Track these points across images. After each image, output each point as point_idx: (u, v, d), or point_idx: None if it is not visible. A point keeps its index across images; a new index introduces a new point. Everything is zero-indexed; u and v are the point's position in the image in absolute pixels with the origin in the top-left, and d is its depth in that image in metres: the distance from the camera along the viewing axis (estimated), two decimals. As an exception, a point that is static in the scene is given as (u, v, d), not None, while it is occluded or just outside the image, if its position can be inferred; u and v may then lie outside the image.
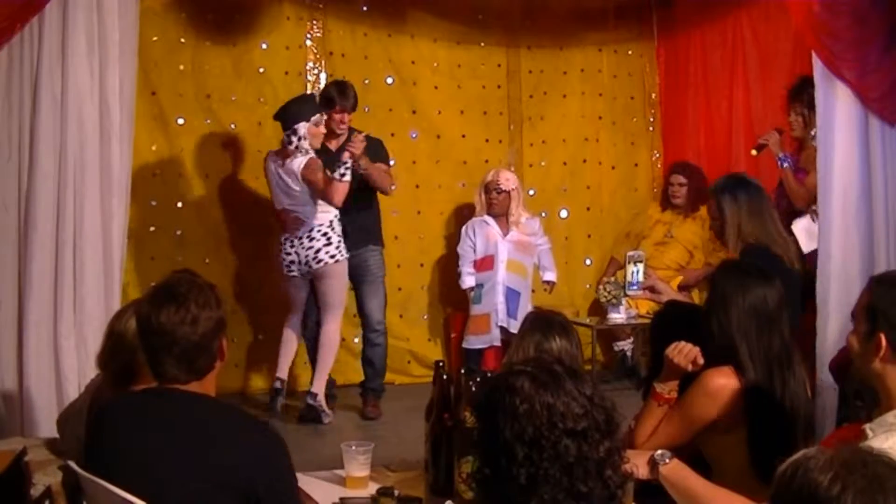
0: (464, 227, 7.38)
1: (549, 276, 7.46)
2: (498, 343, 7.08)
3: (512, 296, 7.15)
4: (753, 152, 6.59)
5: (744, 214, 4.64)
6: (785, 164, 6.28)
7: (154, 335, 2.71)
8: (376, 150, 6.64)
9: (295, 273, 6.44)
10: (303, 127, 6.24)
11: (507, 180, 7.27)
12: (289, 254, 6.42)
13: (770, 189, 6.66)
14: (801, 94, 6.27)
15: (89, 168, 4.96)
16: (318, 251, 6.33)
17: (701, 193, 7.68)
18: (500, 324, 7.11)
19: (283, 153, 6.33)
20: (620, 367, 7.80)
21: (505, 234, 7.24)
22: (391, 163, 6.84)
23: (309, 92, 7.26)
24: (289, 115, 6.30)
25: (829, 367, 4.93)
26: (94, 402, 3.23)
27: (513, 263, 7.20)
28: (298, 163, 6.25)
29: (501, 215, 7.27)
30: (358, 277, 6.74)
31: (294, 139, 6.25)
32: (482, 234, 7.22)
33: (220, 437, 2.68)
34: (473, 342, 7.19)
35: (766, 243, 4.61)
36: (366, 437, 4.13)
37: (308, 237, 6.36)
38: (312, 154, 6.28)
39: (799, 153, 6.48)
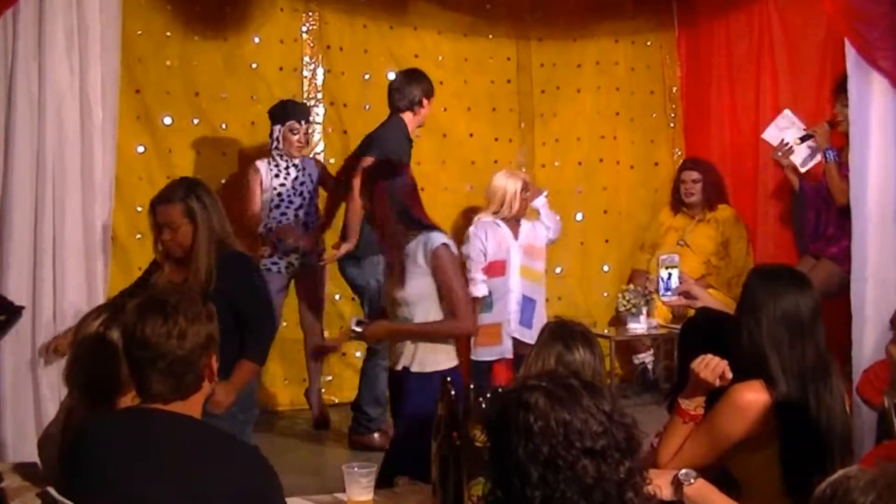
0: (472, 229, 7.08)
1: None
2: (510, 355, 7.01)
3: (527, 304, 7.10)
4: (797, 142, 6.60)
5: (214, 214, 4.62)
6: (830, 158, 6.28)
7: (138, 348, 2.70)
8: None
9: None
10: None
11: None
12: None
13: (814, 182, 6.68)
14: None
15: (69, 171, 4.96)
16: None
17: (717, 190, 7.68)
18: (512, 334, 7.05)
19: None
20: (640, 380, 7.79)
21: (516, 238, 7.19)
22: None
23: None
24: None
25: (858, 390, 4.89)
26: (68, 422, 3.20)
27: (525, 269, 7.15)
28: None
29: (518, 218, 7.21)
30: None
31: None
32: (494, 238, 7.10)
33: (208, 461, 2.67)
34: (483, 354, 7.08)
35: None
36: (369, 458, 4.11)
37: None
38: None
39: (845, 147, 6.48)
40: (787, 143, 6.81)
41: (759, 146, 7.67)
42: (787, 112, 7.06)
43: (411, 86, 6.59)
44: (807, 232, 6.83)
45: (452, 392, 3.42)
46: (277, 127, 6.75)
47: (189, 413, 2.75)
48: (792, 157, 6.82)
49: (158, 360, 2.68)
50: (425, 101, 6.60)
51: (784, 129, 6.93)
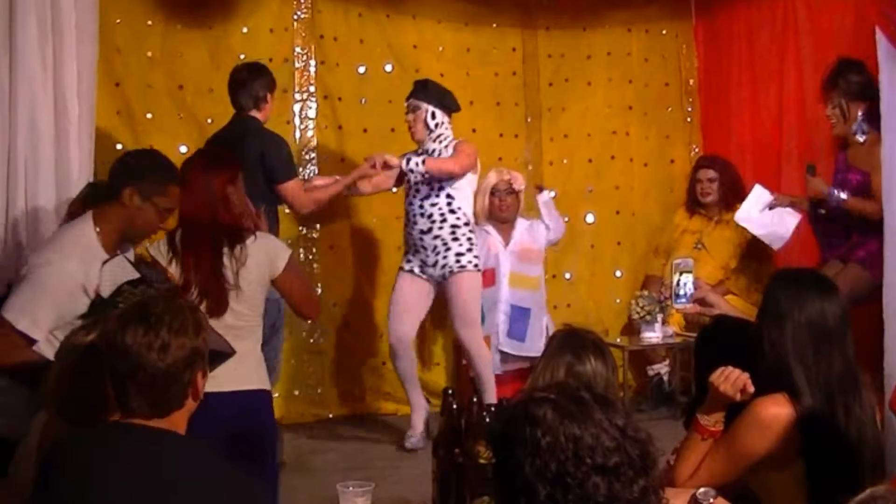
0: None
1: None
2: (499, 371, 7.00)
3: (518, 315, 7.11)
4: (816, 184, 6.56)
5: None
6: (842, 195, 6.24)
7: (118, 358, 2.69)
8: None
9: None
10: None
11: (517, 179, 7.27)
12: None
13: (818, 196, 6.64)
14: (837, 81, 6.28)
15: (43, 172, 4.92)
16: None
17: (735, 189, 7.67)
18: (501, 348, 7.06)
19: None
20: (656, 393, 7.77)
21: (507, 243, 7.21)
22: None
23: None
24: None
25: (890, 404, 4.87)
26: (44, 440, 3.18)
27: (517, 277, 7.17)
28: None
29: (506, 222, 7.23)
30: None
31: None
32: (482, 246, 7.11)
33: (191, 482, 2.65)
34: None
35: None
36: (365, 476, 4.10)
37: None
38: None
39: (843, 151, 6.45)
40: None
41: (781, 143, 7.67)
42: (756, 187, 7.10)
43: (254, 82, 6.48)
44: (830, 239, 6.77)
45: (454, 406, 3.42)
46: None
47: (171, 430, 2.74)
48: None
49: (138, 372, 2.68)
50: (269, 97, 6.52)
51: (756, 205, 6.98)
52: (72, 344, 3.24)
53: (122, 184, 4.17)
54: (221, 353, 3.82)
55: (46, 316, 3.95)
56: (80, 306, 3.98)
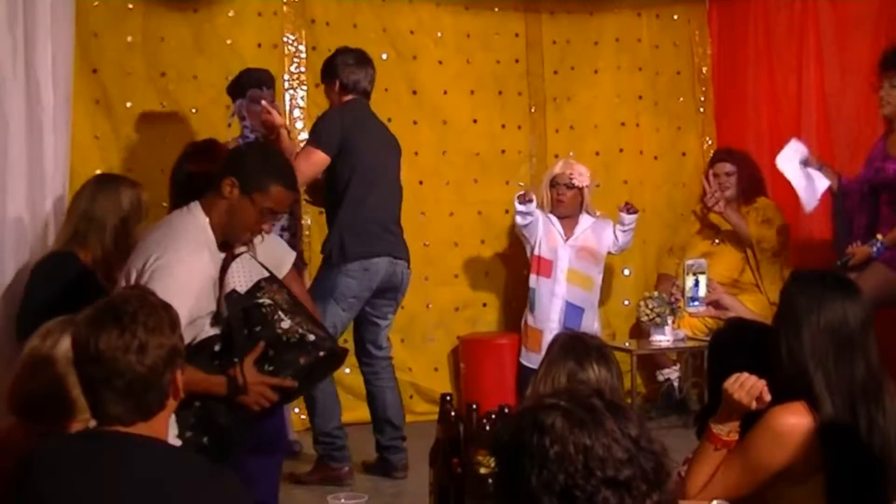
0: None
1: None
2: None
3: (572, 312, 7.17)
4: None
5: None
6: (881, 244, 6.21)
7: (92, 364, 2.68)
8: None
9: None
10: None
11: (581, 175, 7.29)
12: None
13: (849, 176, 6.65)
14: None
15: (14, 164, 4.89)
16: None
17: (754, 183, 7.65)
18: None
19: None
20: (666, 400, 7.77)
21: (567, 238, 7.25)
22: None
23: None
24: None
25: None
26: (8, 446, 3.14)
27: (575, 274, 7.22)
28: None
29: (568, 216, 7.28)
30: None
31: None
32: (546, 233, 7.29)
33: (175, 492, 2.65)
34: (527, 358, 7.29)
35: None
36: (358, 488, 4.11)
37: None
38: None
39: (882, 139, 6.45)
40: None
41: (800, 135, 7.63)
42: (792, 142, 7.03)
43: None
44: (853, 234, 6.76)
45: (453, 413, 3.41)
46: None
47: (154, 435, 2.73)
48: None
49: (115, 378, 2.66)
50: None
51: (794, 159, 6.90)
52: (30, 348, 3.24)
53: (223, 174, 4.10)
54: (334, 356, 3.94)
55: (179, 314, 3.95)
56: (211, 302, 3.98)
